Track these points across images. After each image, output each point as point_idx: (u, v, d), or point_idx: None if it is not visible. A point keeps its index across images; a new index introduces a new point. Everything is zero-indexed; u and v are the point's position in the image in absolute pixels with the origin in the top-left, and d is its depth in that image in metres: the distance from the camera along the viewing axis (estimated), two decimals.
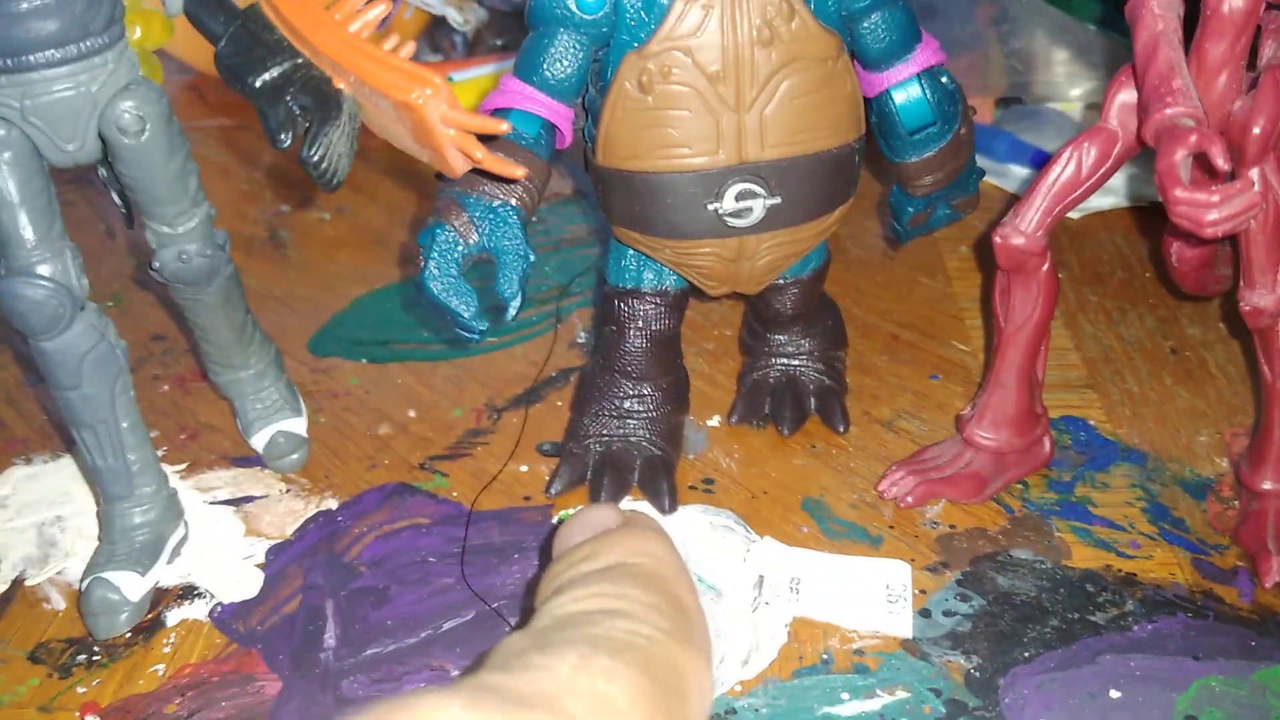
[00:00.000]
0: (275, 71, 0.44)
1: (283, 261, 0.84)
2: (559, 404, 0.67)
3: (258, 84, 0.44)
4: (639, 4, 0.50)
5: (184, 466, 0.62)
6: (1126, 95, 0.50)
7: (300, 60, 0.44)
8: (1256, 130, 0.47)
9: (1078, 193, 0.52)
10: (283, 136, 0.44)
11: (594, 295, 0.78)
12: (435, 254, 0.51)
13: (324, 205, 0.92)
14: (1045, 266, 0.54)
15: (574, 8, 0.51)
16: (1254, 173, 0.49)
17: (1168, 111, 0.44)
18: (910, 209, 0.61)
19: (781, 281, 0.60)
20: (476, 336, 0.52)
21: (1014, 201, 0.54)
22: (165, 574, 0.55)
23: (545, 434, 0.65)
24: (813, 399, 0.65)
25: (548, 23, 0.52)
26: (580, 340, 0.73)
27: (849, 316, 0.74)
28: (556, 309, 0.77)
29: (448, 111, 0.42)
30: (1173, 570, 0.54)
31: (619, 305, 0.59)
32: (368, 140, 0.47)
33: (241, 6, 0.47)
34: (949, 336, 0.73)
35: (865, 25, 0.54)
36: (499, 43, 1.21)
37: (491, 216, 0.52)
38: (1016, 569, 0.54)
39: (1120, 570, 0.54)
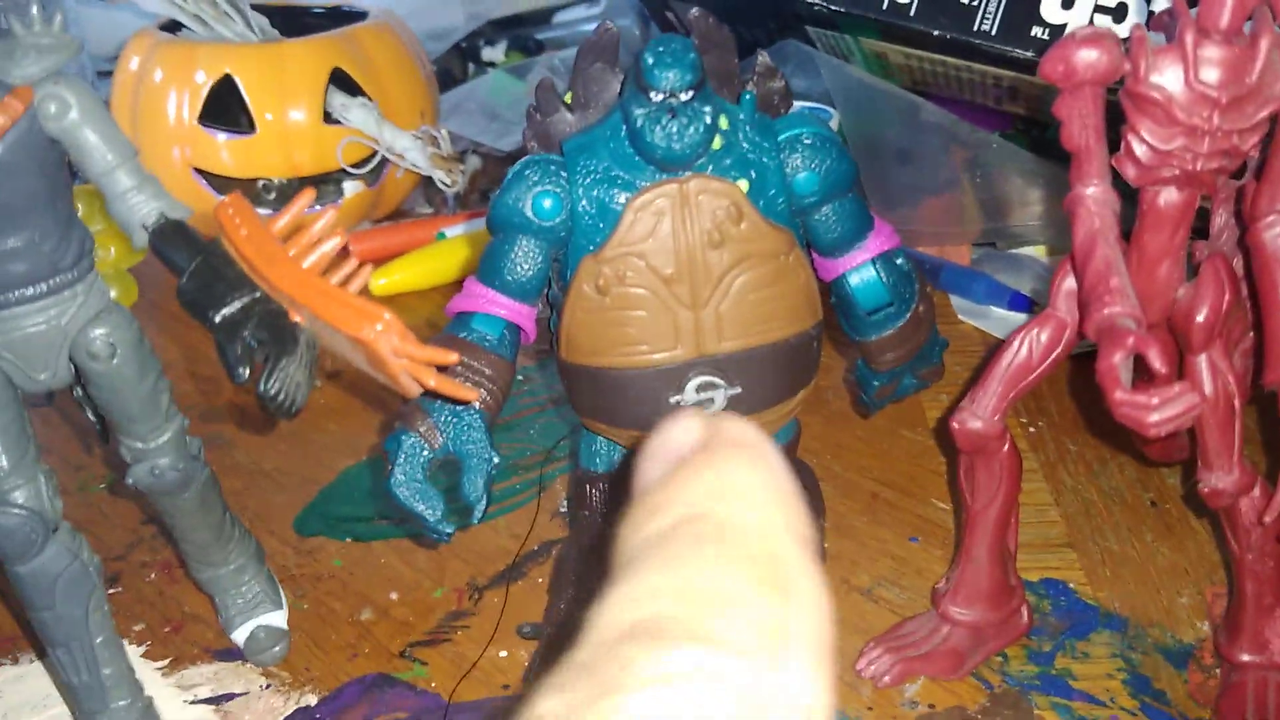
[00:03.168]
0: (235, 306, 0.45)
1: (273, 434, 0.85)
2: (540, 580, 0.67)
3: (218, 319, 0.45)
4: (593, 211, 0.52)
5: (166, 663, 0.63)
6: (1071, 283, 0.51)
7: (259, 295, 0.46)
8: (1200, 319, 0.48)
9: (1031, 376, 0.52)
10: (240, 371, 0.45)
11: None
12: (401, 460, 0.52)
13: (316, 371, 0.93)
14: (1006, 447, 0.54)
15: (531, 215, 0.52)
16: (1201, 359, 0.49)
17: (1106, 311, 0.45)
18: (876, 383, 0.61)
19: None
20: (444, 538, 0.53)
21: (991, 344, 0.54)
22: None
23: (527, 614, 0.65)
24: None
25: (507, 229, 0.53)
26: (563, 510, 0.74)
27: (829, 474, 0.75)
28: (540, 476, 0.77)
29: (399, 344, 0.43)
30: None
31: (591, 490, 0.60)
32: None
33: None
34: (929, 494, 0.73)
35: (817, 217, 0.55)
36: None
37: (455, 421, 0.53)
38: None
39: None
